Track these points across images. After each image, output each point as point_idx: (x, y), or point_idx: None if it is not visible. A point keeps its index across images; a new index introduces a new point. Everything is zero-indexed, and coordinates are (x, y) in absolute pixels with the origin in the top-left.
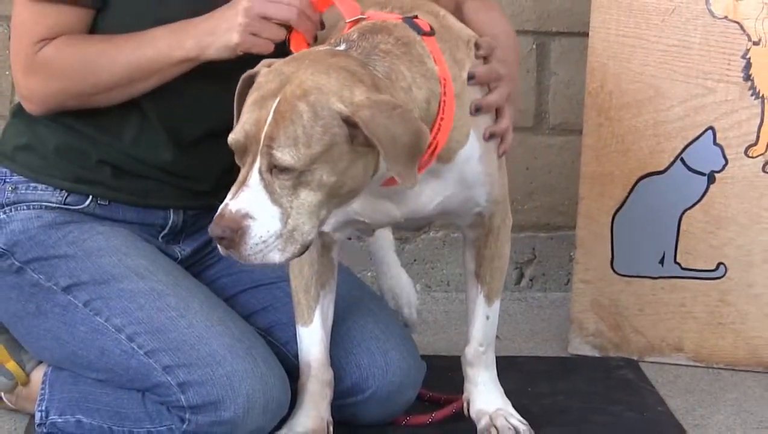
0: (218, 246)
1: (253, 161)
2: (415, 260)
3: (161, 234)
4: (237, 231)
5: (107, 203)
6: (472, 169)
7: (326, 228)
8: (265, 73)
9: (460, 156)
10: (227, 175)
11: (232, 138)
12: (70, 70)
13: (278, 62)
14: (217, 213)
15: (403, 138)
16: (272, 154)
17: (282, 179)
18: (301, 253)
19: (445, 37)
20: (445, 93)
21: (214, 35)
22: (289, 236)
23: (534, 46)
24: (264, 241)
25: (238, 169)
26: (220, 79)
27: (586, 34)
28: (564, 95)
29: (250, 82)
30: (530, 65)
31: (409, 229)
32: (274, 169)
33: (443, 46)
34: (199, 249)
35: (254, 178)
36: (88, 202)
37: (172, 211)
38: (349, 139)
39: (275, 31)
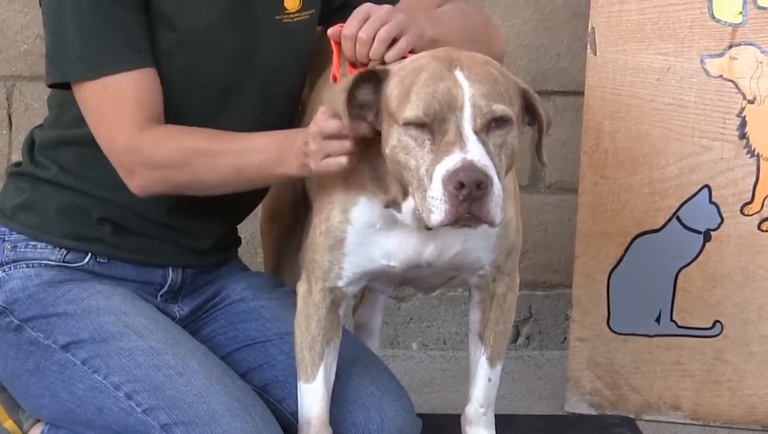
0: (454, 204)
1: (460, 124)
2: (411, 319)
3: (160, 293)
4: (489, 179)
5: (106, 261)
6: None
7: (340, 282)
8: (417, 58)
9: None
10: (227, 235)
11: (422, 112)
12: (171, 163)
13: (411, 58)
14: (458, 165)
15: (546, 118)
16: (494, 109)
17: (495, 136)
18: (503, 222)
19: None
20: None
21: (303, 159)
22: (501, 197)
23: None
24: (500, 195)
25: (236, 230)
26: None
27: (581, 93)
28: (560, 154)
29: (361, 81)
30: None
31: (422, 287)
32: (490, 127)
33: None
34: (197, 308)
35: (472, 137)
36: (87, 259)
37: (171, 269)
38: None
39: (344, 145)
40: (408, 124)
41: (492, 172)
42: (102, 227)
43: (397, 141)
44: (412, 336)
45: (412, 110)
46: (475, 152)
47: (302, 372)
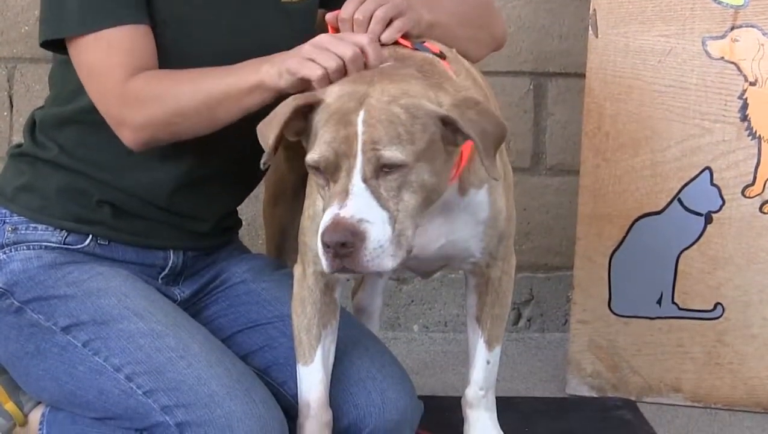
0: (328, 259)
1: (350, 172)
2: (412, 301)
3: (161, 276)
4: (357, 236)
5: (107, 243)
6: (481, 214)
7: (329, 268)
8: (335, 96)
9: (473, 197)
10: (227, 217)
11: (317, 157)
12: (156, 97)
13: (340, 87)
14: (329, 222)
15: (491, 130)
16: (380, 154)
17: (389, 180)
18: (404, 260)
19: (456, 60)
20: None
21: (283, 61)
22: (398, 241)
23: (531, 87)
24: (381, 246)
25: (236, 213)
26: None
27: (583, 75)
28: (561, 136)
29: (298, 112)
30: (527, 106)
31: (417, 272)
32: (381, 172)
33: (456, 67)
34: (198, 291)
35: (358, 186)
36: (87, 241)
37: (171, 251)
38: (441, 138)
39: (331, 61)
40: (309, 166)
41: (366, 226)
42: (102, 209)
43: (311, 176)
44: (413, 318)
45: (312, 154)
46: (351, 207)
47: (300, 355)
